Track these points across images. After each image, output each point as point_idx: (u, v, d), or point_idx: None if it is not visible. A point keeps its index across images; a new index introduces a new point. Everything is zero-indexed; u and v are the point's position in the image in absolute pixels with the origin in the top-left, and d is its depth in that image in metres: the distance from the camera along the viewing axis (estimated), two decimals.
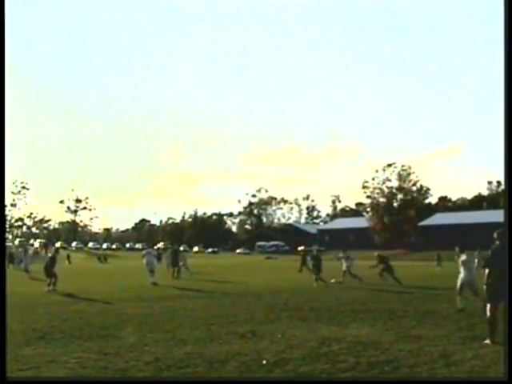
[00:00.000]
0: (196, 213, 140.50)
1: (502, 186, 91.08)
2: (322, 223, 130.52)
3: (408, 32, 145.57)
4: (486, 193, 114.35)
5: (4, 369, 5.58)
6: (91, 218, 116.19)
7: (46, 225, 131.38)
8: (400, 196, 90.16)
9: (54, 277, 18.26)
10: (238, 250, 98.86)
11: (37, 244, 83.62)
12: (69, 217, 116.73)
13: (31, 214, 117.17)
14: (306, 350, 7.37)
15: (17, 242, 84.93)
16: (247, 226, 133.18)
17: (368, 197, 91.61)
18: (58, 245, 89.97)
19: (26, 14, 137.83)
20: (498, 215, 59.61)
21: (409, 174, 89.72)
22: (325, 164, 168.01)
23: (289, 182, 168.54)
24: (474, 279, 11.57)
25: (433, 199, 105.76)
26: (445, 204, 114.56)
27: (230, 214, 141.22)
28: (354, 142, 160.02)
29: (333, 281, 20.40)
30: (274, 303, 13.61)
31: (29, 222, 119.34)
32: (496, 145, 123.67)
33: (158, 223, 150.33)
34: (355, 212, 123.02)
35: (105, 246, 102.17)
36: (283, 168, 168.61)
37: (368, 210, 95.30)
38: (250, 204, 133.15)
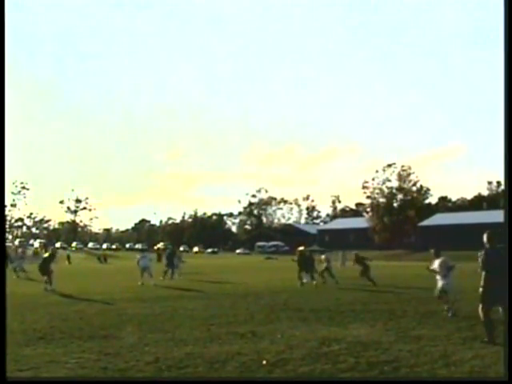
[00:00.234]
0: (196, 213, 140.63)
1: (502, 186, 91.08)
2: (322, 223, 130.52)
3: (408, 32, 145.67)
4: (486, 193, 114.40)
5: (4, 369, 5.58)
6: (91, 218, 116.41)
7: (46, 225, 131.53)
8: (400, 196, 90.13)
9: (50, 275, 18.20)
10: (237, 251, 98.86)
11: (37, 244, 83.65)
12: (69, 217, 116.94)
13: (31, 214, 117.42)
14: (305, 349, 7.37)
15: (17, 242, 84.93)
16: (247, 227, 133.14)
17: (368, 197, 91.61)
18: (58, 245, 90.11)
19: (26, 14, 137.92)
20: (498, 215, 59.60)
21: (409, 175, 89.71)
22: (325, 164, 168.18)
23: (289, 182, 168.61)
24: (452, 284, 11.27)
25: (433, 199, 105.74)
26: (445, 204, 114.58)
27: (230, 215, 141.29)
28: (354, 142, 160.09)
29: (305, 281, 20.37)
30: (273, 303, 13.61)
31: (29, 222, 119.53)
32: (496, 145, 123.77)
33: (158, 223, 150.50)
34: (355, 212, 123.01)
35: (105, 246, 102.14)
36: (283, 168, 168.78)
37: (368, 210, 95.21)
38: (250, 204, 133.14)
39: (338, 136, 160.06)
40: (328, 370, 6.22)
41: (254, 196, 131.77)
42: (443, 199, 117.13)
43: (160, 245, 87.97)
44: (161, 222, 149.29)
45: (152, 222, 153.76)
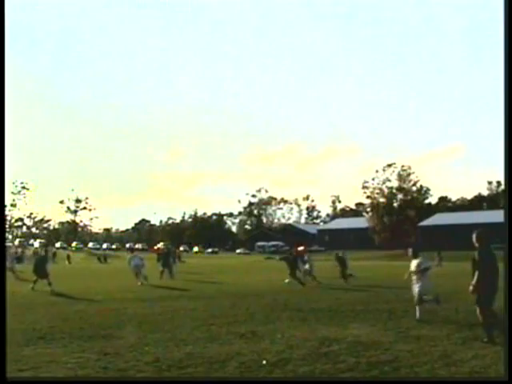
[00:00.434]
0: (196, 213, 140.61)
1: (502, 186, 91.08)
2: (322, 223, 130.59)
3: (408, 32, 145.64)
4: (486, 193, 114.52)
5: (4, 369, 5.58)
6: (91, 218, 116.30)
7: (45, 225, 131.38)
8: (400, 196, 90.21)
9: (46, 276, 18.12)
10: (237, 250, 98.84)
11: (37, 244, 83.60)
12: (69, 217, 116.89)
13: (31, 214, 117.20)
14: (305, 350, 7.36)
15: (17, 242, 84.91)
16: (247, 227, 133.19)
17: (368, 197, 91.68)
18: (58, 245, 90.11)
19: (27, 14, 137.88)
20: (498, 215, 59.65)
21: (409, 175, 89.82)
22: (325, 164, 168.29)
23: (289, 182, 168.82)
24: (430, 285, 10.90)
25: (433, 199, 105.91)
26: (445, 204, 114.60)
27: (230, 214, 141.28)
28: (354, 142, 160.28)
29: (286, 281, 20.54)
30: (274, 303, 13.61)
31: (29, 222, 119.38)
32: (496, 145, 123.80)
33: (157, 223, 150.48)
34: (355, 212, 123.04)
35: (105, 246, 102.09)
36: (283, 168, 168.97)
37: (368, 210, 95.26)
38: (250, 204, 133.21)
39: (338, 136, 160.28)
40: (328, 370, 6.21)
41: (254, 196, 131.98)
42: (443, 199, 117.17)
43: (160, 245, 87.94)
44: (161, 222, 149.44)
45: (152, 222, 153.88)
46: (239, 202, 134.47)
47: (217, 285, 21.51)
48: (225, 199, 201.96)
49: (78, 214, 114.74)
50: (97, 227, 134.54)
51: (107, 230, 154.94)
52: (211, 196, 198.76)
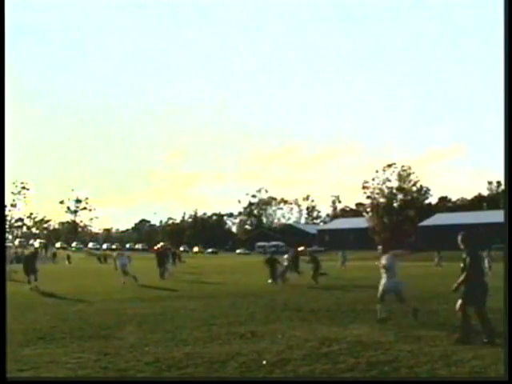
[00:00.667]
0: (196, 213, 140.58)
1: (502, 187, 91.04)
2: (322, 223, 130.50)
3: (409, 32, 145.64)
4: (486, 193, 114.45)
5: (4, 369, 5.58)
6: (91, 219, 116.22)
7: (46, 225, 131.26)
8: (400, 196, 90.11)
9: (35, 274, 18.08)
10: (238, 251, 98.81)
11: (37, 244, 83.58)
12: (69, 217, 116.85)
13: (31, 214, 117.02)
14: (305, 350, 7.36)
15: (17, 242, 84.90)
16: (247, 227, 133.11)
17: (368, 197, 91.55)
18: (58, 245, 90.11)
19: (27, 14, 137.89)
20: (498, 215, 59.68)
21: (409, 175, 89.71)
22: (325, 164, 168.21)
23: (289, 182, 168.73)
24: (398, 284, 10.56)
25: (433, 199, 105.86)
26: (445, 204, 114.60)
27: (230, 215, 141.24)
28: (354, 142, 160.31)
29: (269, 281, 21.00)
30: (274, 303, 13.60)
31: (29, 222, 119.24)
32: (496, 145, 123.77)
33: (157, 223, 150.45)
34: (355, 212, 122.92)
35: (105, 246, 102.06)
36: (283, 168, 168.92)
37: (368, 210, 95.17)
38: (250, 204, 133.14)
39: (338, 136, 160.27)
40: (328, 370, 6.21)
41: (254, 196, 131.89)
42: (443, 199, 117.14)
43: (160, 245, 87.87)
44: (161, 222, 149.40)
45: (152, 222, 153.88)
46: (239, 202, 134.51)
47: (217, 285, 21.51)
48: (225, 199, 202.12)
49: (78, 214, 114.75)
50: (97, 227, 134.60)
51: (107, 230, 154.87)
52: (211, 196, 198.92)
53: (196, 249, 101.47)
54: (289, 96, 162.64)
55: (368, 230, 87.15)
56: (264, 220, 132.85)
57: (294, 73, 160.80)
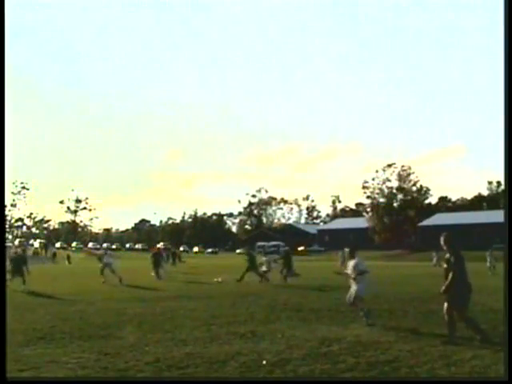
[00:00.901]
0: (196, 213, 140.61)
1: (502, 186, 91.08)
2: (322, 223, 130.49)
3: (409, 32, 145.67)
4: (486, 193, 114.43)
5: (4, 369, 5.58)
6: (91, 219, 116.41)
7: (46, 225, 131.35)
8: (400, 196, 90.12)
9: (22, 274, 18.01)
10: (238, 251, 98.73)
11: (37, 244, 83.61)
12: (69, 217, 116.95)
13: (31, 214, 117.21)
14: (305, 350, 7.36)
15: (17, 242, 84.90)
16: (247, 227, 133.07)
17: (368, 197, 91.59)
18: (58, 245, 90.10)
19: (27, 14, 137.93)
20: (498, 215, 59.66)
21: (409, 175, 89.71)
22: (325, 164, 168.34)
23: (289, 182, 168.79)
24: (363, 291, 10.19)
25: (433, 199, 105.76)
26: (445, 204, 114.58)
27: (230, 215, 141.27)
28: (354, 142, 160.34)
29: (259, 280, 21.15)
30: (274, 303, 13.60)
31: (29, 222, 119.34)
32: (496, 145, 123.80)
33: (157, 223, 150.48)
34: (355, 212, 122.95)
35: (105, 246, 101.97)
36: (283, 168, 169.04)
37: (368, 210, 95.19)
38: (250, 204, 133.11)
39: (338, 136, 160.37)
40: (328, 370, 6.21)
41: (253, 196, 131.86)
42: (443, 199, 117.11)
43: (160, 245, 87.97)
44: (161, 222, 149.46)
45: (152, 222, 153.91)
46: (239, 202, 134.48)
47: (217, 285, 21.49)
48: (225, 199, 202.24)
49: (78, 214, 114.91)
50: (97, 227, 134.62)
51: (107, 230, 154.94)
52: (211, 196, 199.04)
53: (196, 249, 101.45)
54: (289, 96, 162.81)
55: (368, 229, 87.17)
56: (264, 220, 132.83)
57: (294, 73, 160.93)
